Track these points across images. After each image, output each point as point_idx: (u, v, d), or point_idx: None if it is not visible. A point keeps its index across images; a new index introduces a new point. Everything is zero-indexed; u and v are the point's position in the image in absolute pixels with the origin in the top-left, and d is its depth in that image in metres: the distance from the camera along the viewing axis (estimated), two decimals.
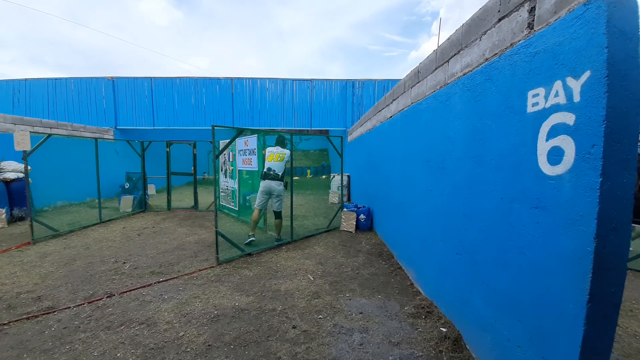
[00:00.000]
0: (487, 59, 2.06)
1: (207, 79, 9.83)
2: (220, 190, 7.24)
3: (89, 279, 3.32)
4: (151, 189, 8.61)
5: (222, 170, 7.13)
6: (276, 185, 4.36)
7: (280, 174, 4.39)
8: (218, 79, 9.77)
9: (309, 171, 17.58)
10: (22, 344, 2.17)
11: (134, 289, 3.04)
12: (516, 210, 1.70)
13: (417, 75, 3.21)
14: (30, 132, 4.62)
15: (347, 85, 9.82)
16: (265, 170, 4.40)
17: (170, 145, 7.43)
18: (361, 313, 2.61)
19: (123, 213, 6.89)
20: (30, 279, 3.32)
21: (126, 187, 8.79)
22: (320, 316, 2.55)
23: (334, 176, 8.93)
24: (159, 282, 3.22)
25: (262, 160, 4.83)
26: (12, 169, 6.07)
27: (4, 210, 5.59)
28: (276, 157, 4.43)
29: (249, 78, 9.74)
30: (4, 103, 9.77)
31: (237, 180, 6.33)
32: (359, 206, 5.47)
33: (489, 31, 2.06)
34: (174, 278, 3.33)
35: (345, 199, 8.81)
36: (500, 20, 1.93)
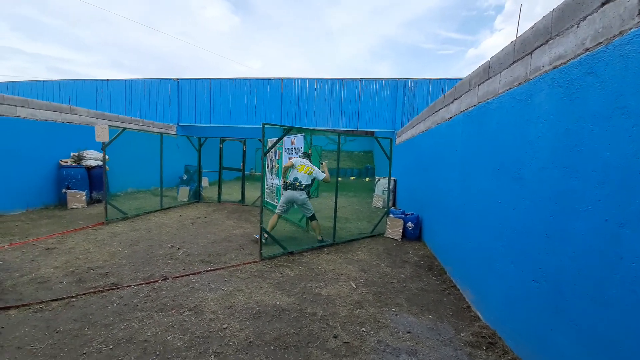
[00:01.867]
0: (587, 49, 1.70)
1: (259, 80, 10.25)
2: (266, 187, 7.45)
3: (148, 260, 3.60)
4: (205, 182, 9.27)
5: (268, 168, 7.33)
6: (298, 195, 4.35)
7: (304, 185, 4.37)
8: (269, 79, 10.12)
9: (352, 177, 17.36)
10: (85, 317, 2.39)
11: (185, 275, 3.21)
12: (627, 238, 1.36)
13: (488, 70, 2.84)
14: (108, 125, 5.23)
15: (398, 85, 9.40)
16: (291, 180, 4.38)
17: (223, 141, 7.88)
18: (409, 332, 2.37)
19: (180, 202, 7.48)
20: (100, 255, 3.72)
21: (184, 178, 9.57)
22: (363, 329, 2.39)
23: (379, 179, 8.61)
24: (207, 270, 3.36)
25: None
26: (93, 157, 6.98)
27: (84, 193, 6.45)
28: (306, 169, 4.40)
29: (298, 78, 9.90)
30: (89, 100, 11.37)
31: (282, 177, 6.42)
32: (406, 213, 5.14)
33: (589, 17, 1.70)
34: (220, 269, 3.44)
35: (390, 204, 8.44)
36: (603, 4, 1.59)
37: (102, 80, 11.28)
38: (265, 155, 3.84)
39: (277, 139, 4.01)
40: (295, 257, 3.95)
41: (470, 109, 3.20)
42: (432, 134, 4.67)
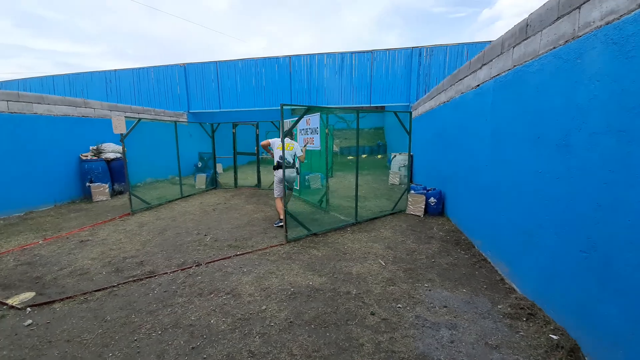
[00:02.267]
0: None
1: (267, 59, 9.93)
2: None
3: (178, 248, 3.70)
4: (219, 168, 9.34)
5: None
6: (290, 173, 4.40)
7: (292, 161, 4.45)
8: (277, 57, 9.79)
9: (364, 155, 17.11)
10: (130, 305, 2.49)
11: (217, 260, 3.29)
12: None
13: (525, 30, 2.60)
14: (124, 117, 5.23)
15: (413, 54, 8.91)
16: (278, 159, 4.41)
17: (235, 126, 7.80)
18: (445, 307, 2.37)
19: (198, 189, 7.59)
20: (132, 245, 3.84)
21: (199, 165, 9.68)
22: (399, 305, 2.40)
23: (394, 156, 8.44)
24: (236, 255, 3.43)
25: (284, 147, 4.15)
26: (111, 150, 7.07)
27: (107, 185, 6.61)
28: (288, 146, 4.42)
29: (306, 55, 9.52)
30: (99, 91, 11.39)
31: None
32: (427, 188, 5.03)
33: None
34: (249, 252, 3.50)
35: (406, 180, 8.31)
36: None
37: (110, 71, 11.21)
38: (285, 136, 3.75)
39: (296, 119, 3.90)
40: (320, 238, 3.97)
41: (503, 74, 2.98)
42: (456, 105, 4.44)
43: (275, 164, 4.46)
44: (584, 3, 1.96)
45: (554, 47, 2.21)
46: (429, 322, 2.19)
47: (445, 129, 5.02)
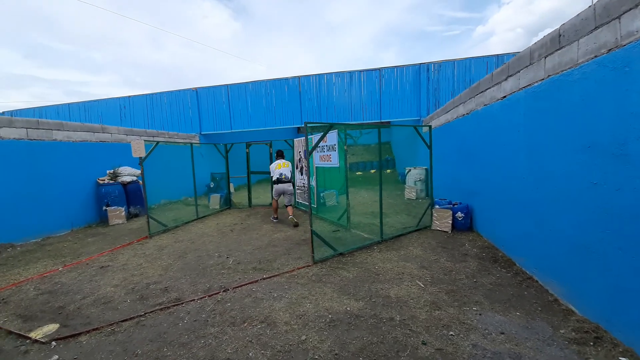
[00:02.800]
0: None
1: (276, 80, 10.14)
2: (296, 187, 7.36)
3: (202, 272, 3.56)
4: (231, 188, 9.31)
5: (297, 168, 7.22)
6: (287, 187, 5.83)
7: (290, 177, 5.86)
8: (286, 79, 9.99)
9: (372, 170, 17.07)
10: (160, 337, 2.34)
11: (244, 284, 3.14)
12: None
13: (558, 40, 2.56)
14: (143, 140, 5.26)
15: (421, 70, 9.02)
16: (277, 176, 5.82)
17: (249, 146, 7.83)
18: (503, 333, 2.17)
19: (212, 210, 7.52)
20: (154, 270, 3.71)
21: (211, 186, 9.66)
22: (451, 332, 2.20)
23: (409, 170, 8.33)
24: (263, 278, 3.27)
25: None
26: (128, 173, 7.11)
27: (123, 209, 6.58)
28: (284, 165, 5.88)
29: (315, 74, 9.72)
30: (114, 117, 11.67)
31: (314, 177, 6.30)
32: (453, 202, 4.88)
33: None
34: (276, 275, 3.35)
35: (423, 194, 8.15)
36: None
37: (124, 98, 11.54)
38: (310, 153, 3.69)
39: (320, 135, 3.85)
40: (347, 258, 3.81)
41: (536, 84, 2.91)
42: (478, 117, 4.38)
43: (274, 180, 5.90)
44: (623, 13, 1.93)
45: (596, 56, 2.15)
46: (489, 351, 1.99)
47: (466, 141, 4.93)
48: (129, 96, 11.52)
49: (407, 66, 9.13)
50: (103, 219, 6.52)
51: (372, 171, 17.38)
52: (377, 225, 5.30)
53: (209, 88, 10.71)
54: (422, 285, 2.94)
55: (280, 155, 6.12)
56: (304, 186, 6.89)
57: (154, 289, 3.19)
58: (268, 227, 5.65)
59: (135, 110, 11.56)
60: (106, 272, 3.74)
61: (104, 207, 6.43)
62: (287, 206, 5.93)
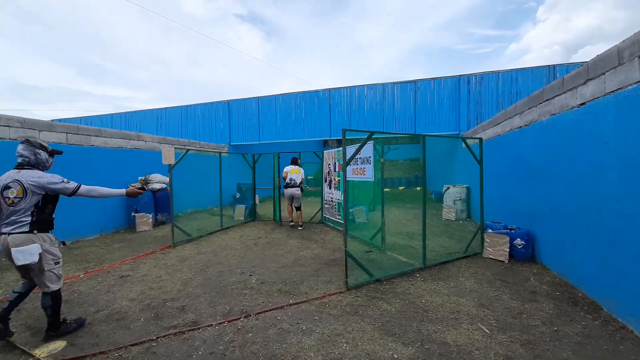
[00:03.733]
0: None
1: (306, 93, 10.06)
2: (324, 201, 6.96)
3: (222, 290, 3.21)
4: (256, 199, 9.13)
5: (326, 181, 6.85)
6: (296, 191, 6.33)
7: (298, 182, 6.35)
8: (316, 91, 9.88)
9: (401, 187, 16.31)
10: None
11: (268, 310, 2.73)
12: None
13: None
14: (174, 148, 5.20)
15: (461, 82, 8.47)
16: (287, 181, 6.35)
17: (279, 157, 7.62)
18: None
19: (237, 221, 7.30)
20: (173, 284, 3.43)
21: (237, 196, 9.56)
22: None
23: (447, 188, 7.64)
24: (290, 305, 2.84)
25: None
26: (158, 181, 7.15)
27: (150, 216, 6.54)
28: (296, 171, 6.41)
29: (346, 87, 9.50)
30: (151, 127, 12.19)
31: (344, 191, 5.87)
32: (509, 227, 4.20)
33: None
34: (304, 302, 2.91)
35: (464, 215, 7.39)
36: None
37: (161, 109, 12.08)
38: (347, 164, 3.31)
39: (359, 145, 3.47)
40: (386, 286, 3.28)
41: (630, 87, 2.35)
42: (543, 129, 3.77)
43: (284, 184, 6.43)
44: None
45: None
46: None
47: (523, 157, 4.30)
48: (166, 107, 12.04)
49: (445, 78, 8.62)
50: (131, 225, 6.52)
51: (401, 188, 16.62)
52: (415, 248, 4.74)
53: (240, 100, 10.89)
54: (487, 331, 2.35)
55: (294, 162, 6.57)
56: (332, 201, 6.48)
57: (170, 306, 2.87)
58: (294, 243, 5.26)
59: (170, 121, 12.01)
60: (125, 282, 3.52)
61: (133, 213, 6.44)
62: (295, 208, 6.50)
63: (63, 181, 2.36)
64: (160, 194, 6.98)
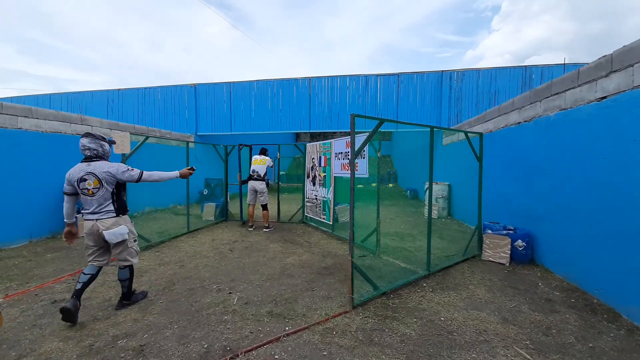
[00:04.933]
0: None
1: (285, 80, 9.31)
2: (306, 199, 6.38)
3: (196, 317, 2.52)
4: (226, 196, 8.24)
5: (309, 177, 6.28)
6: (259, 185, 5.55)
7: (262, 174, 5.61)
8: (295, 79, 9.17)
9: (373, 184, 16.24)
10: None
11: (260, 346, 2.12)
12: None
13: None
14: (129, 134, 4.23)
15: (443, 78, 8.36)
16: (250, 172, 5.66)
17: (250, 149, 6.85)
18: None
19: (206, 222, 6.44)
20: (127, 311, 2.65)
21: (204, 193, 8.58)
22: None
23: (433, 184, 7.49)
24: (287, 334, 2.27)
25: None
26: None
27: None
28: (259, 161, 5.64)
29: (327, 77, 8.94)
30: (100, 112, 10.51)
31: (332, 189, 5.37)
32: (508, 228, 4.01)
33: None
34: (304, 328, 2.35)
35: (445, 213, 7.31)
36: None
37: (113, 91, 10.46)
38: (356, 157, 2.77)
39: (369, 133, 2.94)
40: (394, 300, 2.84)
41: None
42: (549, 124, 3.58)
43: (247, 177, 5.76)
44: None
45: None
46: None
47: (522, 155, 4.13)
48: (119, 89, 10.45)
49: (429, 73, 8.45)
50: None
51: (374, 184, 16.60)
52: (410, 251, 4.43)
53: (208, 85, 9.77)
54: (529, 357, 2.00)
55: (262, 152, 5.89)
56: (316, 199, 5.94)
57: (123, 347, 2.13)
58: (277, 248, 4.64)
59: (124, 105, 10.47)
60: (57, 310, 2.65)
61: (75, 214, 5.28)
62: (262, 209, 5.75)
63: (128, 169, 2.58)
64: None
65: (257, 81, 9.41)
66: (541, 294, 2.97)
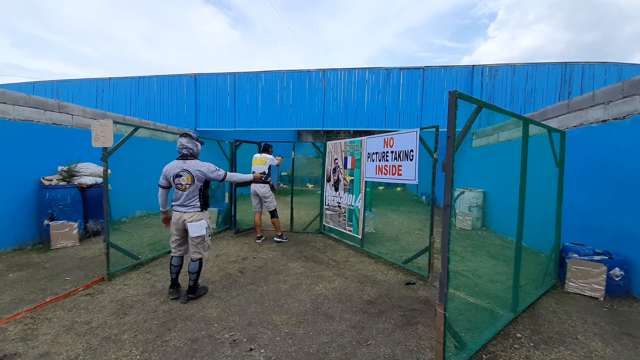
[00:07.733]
0: None
1: (296, 72, 8.42)
2: (325, 206, 5.48)
3: None
4: (226, 198, 7.32)
5: (329, 181, 5.39)
6: (260, 188, 4.74)
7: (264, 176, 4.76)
8: (308, 71, 8.28)
9: (381, 187, 15.46)
10: None
11: None
12: None
13: None
14: (112, 125, 3.29)
15: (474, 73, 7.55)
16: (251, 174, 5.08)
17: (259, 146, 5.93)
18: None
19: None
20: None
21: None
22: None
23: (461, 192, 6.67)
24: None
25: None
26: (90, 173, 5.04)
27: (76, 225, 4.47)
28: (259, 161, 4.83)
29: (344, 69, 8.07)
30: (88, 101, 9.49)
31: (361, 195, 4.47)
32: (598, 252, 3.17)
33: None
34: None
35: (479, 224, 6.47)
36: None
37: (103, 79, 9.44)
38: (456, 149, 1.88)
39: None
40: None
41: None
42: None
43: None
44: None
45: None
46: None
47: (610, 159, 3.31)
48: (109, 78, 9.43)
49: (457, 67, 7.64)
50: (44, 238, 4.40)
51: (381, 188, 15.74)
52: (466, 276, 3.56)
53: (210, 75, 8.83)
54: None
55: (264, 150, 5.08)
56: (339, 207, 5.05)
57: None
58: (297, 269, 3.74)
59: (115, 96, 9.46)
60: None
61: (46, 222, 4.32)
62: (271, 217, 4.88)
63: (216, 169, 2.82)
64: (94, 191, 4.91)
65: (265, 72, 8.50)
66: None
